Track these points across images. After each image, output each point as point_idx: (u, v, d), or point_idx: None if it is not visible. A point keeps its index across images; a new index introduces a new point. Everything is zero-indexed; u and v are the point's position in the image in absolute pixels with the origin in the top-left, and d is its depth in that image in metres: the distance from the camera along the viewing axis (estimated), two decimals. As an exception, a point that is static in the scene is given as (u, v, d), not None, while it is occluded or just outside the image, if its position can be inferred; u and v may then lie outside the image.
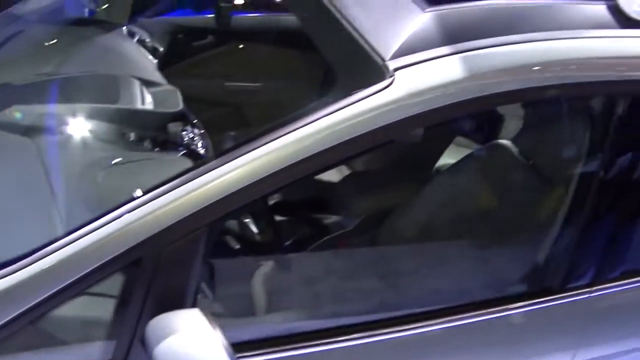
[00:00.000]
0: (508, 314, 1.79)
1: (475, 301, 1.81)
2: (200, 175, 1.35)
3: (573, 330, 1.86)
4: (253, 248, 2.07)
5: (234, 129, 2.77)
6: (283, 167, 1.37)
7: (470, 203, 2.22)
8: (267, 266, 1.93)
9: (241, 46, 2.96)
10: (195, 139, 2.19)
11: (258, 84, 2.93)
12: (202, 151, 2.16)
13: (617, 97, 1.68)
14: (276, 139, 1.37)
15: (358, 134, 1.39)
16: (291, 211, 2.42)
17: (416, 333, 1.71)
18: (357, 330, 1.67)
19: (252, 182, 1.36)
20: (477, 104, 1.50)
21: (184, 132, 2.17)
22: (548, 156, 2.04)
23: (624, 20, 1.68)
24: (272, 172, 1.36)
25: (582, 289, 1.83)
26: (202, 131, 2.25)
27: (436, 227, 2.21)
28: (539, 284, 1.86)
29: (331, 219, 2.48)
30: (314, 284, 1.94)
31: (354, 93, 1.41)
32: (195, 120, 2.25)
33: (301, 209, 2.44)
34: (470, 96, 1.47)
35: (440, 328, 1.73)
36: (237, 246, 1.98)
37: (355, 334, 1.66)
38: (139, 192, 1.36)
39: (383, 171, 2.58)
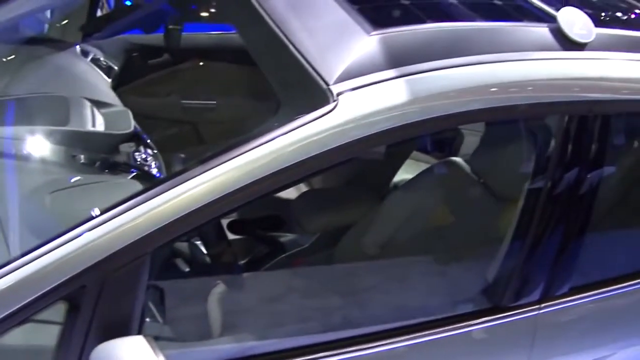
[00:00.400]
0: (460, 332, 1.80)
1: (428, 319, 1.82)
2: (144, 202, 1.34)
3: (523, 346, 1.88)
4: (205, 269, 2.07)
5: (190, 147, 2.77)
6: (229, 192, 1.37)
7: (424, 220, 2.24)
8: (219, 287, 1.92)
9: (198, 64, 2.95)
10: (147, 159, 2.18)
11: (215, 102, 2.92)
12: (154, 172, 2.15)
13: (561, 117, 1.70)
14: (221, 164, 1.37)
15: (302, 158, 1.40)
16: (245, 229, 2.41)
17: (373, 352, 1.72)
18: (313, 351, 1.67)
19: (197, 207, 1.36)
20: (421, 127, 1.52)
21: (136, 153, 2.16)
22: (497, 174, 2.07)
23: (566, 42, 1.71)
24: (217, 197, 1.36)
25: (531, 305, 1.85)
26: (155, 151, 2.25)
27: (391, 245, 2.23)
28: (489, 301, 1.88)
29: (286, 237, 2.48)
30: (269, 303, 1.94)
31: (298, 117, 1.42)
32: (148, 140, 2.24)
33: (255, 227, 2.43)
34: (414, 119, 1.48)
35: (391, 348, 1.74)
36: (189, 268, 1.98)
37: (311, 355, 1.66)
38: (97, 211, 1.35)
39: (338, 188, 2.59)
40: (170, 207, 1.34)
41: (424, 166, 2.51)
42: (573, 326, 1.94)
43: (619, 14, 2.09)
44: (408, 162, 2.71)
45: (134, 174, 1.99)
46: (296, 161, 1.40)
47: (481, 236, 2.08)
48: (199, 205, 1.36)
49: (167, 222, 1.34)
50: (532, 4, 1.89)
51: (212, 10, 2.88)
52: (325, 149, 1.41)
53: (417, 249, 2.17)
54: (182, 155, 1.97)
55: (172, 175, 1.40)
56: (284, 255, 2.38)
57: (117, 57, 2.74)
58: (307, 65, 1.53)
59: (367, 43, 1.54)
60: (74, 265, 1.32)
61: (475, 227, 2.12)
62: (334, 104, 1.43)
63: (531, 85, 1.63)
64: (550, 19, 1.77)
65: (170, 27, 2.75)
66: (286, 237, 2.48)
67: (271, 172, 1.38)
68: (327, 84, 1.46)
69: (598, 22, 1.82)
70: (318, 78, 1.49)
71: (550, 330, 1.88)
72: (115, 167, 2.01)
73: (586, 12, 1.88)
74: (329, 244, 2.36)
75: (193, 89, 2.91)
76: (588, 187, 1.78)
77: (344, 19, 1.64)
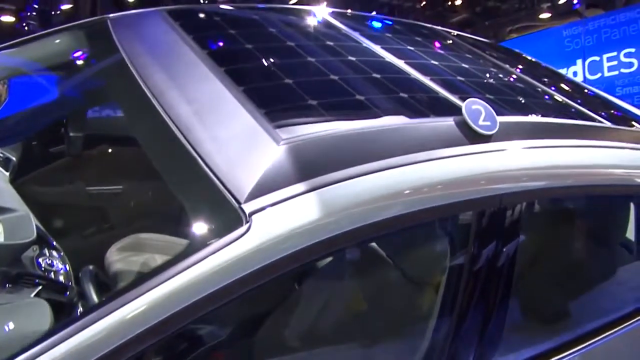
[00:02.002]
0: None
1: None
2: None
3: None
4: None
5: (99, 236, 2.66)
6: (144, 329, 1.31)
7: (342, 308, 2.21)
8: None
9: (101, 148, 2.85)
10: (53, 264, 2.07)
11: (121, 187, 2.82)
12: (61, 278, 2.05)
13: (473, 211, 1.72)
14: (132, 300, 1.31)
15: (218, 287, 1.35)
16: None
17: None
18: None
19: (110, 349, 1.29)
20: (339, 241, 1.49)
21: (40, 259, 2.05)
22: (412, 261, 2.07)
23: (472, 135, 1.74)
24: (129, 338, 1.30)
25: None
26: (61, 253, 2.14)
27: (310, 335, 2.19)
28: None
29: (203, 329, 2.40)
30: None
31: (211, 243, 1.37)
32: (54, 243, 2.13)
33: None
34: (332, 233, 1.45)
35: None
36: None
37: None
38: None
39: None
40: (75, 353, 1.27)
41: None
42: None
43: (518, 97, 2.15)
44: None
45: (40, 287, 1.87)
46: (212, 290, 1.35)
47: (400, 322, 2.07)
48: (113, 347, 1.29)
49: None
50: (437, 94, 1.92)
51: (113, 114, 2.78)
52: (242, 275, 1.37)
53: (336, 338, 2.14)
54: (91, 267, 1.88)
55: (74, 318, 1.32)
56: (201, 349, 2.30)
57: (15, 148, 2.62)
58: (216, 181, 1.48)
59: (277, 154, 1.51)
60: None
61: (393, 313, 2.11)
62: (248, 225, 1.39)
63: (442, 185, 1.64)
64: (455, 109, 1.81)
65: (72, 134, 2.65)
66: (203, 329, 2.40)
67: (185, 305, 1.33)
68: (239, 203, 1.42)
69: (500, 109, 1.88)
70: (229, 196, 1.44)
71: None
72: (18, 281, 1.89)
73: (488, 98, 1.93)
74: (247, 334, 2.30)
75: (97, 174, 2.81)
76: (502, 277, 1.81)
77: (252, 126, 1.60)
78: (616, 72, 11.93)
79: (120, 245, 2.06)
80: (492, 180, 1.73)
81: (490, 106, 1.83)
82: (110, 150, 2.85)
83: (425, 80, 2.00)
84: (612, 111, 2.55)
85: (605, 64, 12.08)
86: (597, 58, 12.22)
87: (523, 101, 2.12)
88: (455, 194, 1.65)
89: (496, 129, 1.77)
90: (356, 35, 2.30)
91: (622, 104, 2.76)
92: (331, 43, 2.18)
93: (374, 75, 1.97)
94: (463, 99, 1.85)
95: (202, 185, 1.51)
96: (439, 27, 2.94)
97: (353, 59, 2.06)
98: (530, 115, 2.01)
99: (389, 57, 2.13)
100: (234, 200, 1.43)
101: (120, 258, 2.03)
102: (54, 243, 2.15)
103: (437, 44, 2.57)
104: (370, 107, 1.77)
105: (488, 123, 1.78)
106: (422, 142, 1.68)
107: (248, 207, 1.41)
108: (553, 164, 1.86)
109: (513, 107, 2.01)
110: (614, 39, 12.09)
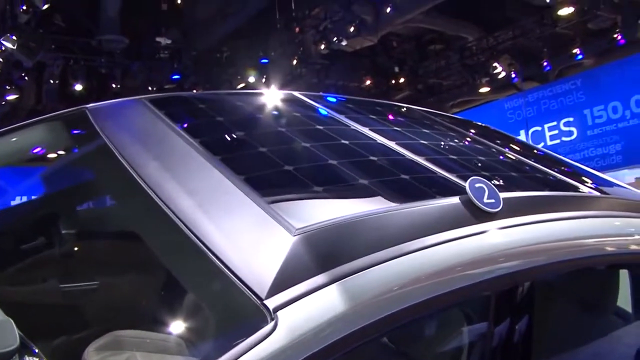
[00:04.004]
0: None
1: None
2: None
3: None
4: None
5: (78, 334, 2.52)
6: None
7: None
8: None
9: (74, 242, 2.73)
10: (37, 371, 1.93)
11: (97, 282, 2.69)
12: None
13: (488, 293, 1.68)
14: None
15: None
16: None
17: None
18: None
19: None
20: (367, 333, 1.42)
21: (22, 367, 1.91)
22: (425, 345, 2.00)
23: (478, 213, 1.72)
24: None
25: None
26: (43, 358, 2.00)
27: None
28: None
29: None
30: None
31: (236, 344, 1.28)
32: (36, 350, 1.99)
33: None
34: (356, 327, 1.39)
35: None
36: None
37: None
38: None
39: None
40: None
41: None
42: None
43: (510, 172, 2.15)
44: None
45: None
46: None
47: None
48: None
49: None
50: (435, 174, 1.90)
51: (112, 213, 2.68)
52: None
53: None
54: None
55: None
56: None
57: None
58: (231, 276, 1.40)
59: (292, 244, 1.44)
60: None
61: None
62: (273, 323, 1.31)
63: (460, 267, 1.60)
64: (457, 188, 1.79)
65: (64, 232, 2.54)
66: None
67: None
68: (261, 299, 1.35)
69: (498, 185, 1.86)
70: (248, 292, 1.36)
71: None
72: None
73: (484, 175, 1.92)
74: None
75: (72, 270, 2.68)
76: (519, 356, 1.76)
77: (261, 216, 1.54)
78: (558, 141, 12.33)
79: (98, 345, 1.94)
80: (506, 257, 1.70)
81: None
82: (84, 244, 2.73)
83: (421, 160, 1.98)
84: (593, 180, 2.58)
85: (547, 133, 12.50)
86: (539, 128, 12.65)
87: (515, 176, 2.12)
88: (476, 274, 1.61)
89: (501, 206, 1.75)
90: (342, 117, 2.29)
91: (594, 172, 2.79)
92: (320, 127, 2.15)
93: (371, 158, 1.94)
94: (462, 178, 1.84)
95: (216, 281, 1.43)
96: (414, 106, 2.96)
97: (346, 142, 2.04)
98: (526, 190, 2.01)
99: (380, 139, 2.11)
100: (254, 297, 1.35)
101: (98, 359, 1.91)
102: (36, 350, 2.02)
103: (417, 123, 2.58)
104: (375, 191, 1.74)
105: (492, 200, 1.76)
106: (432, 224, 1.64)
107: (271, 303, 1.33)
108: (562, 237, 1.84)
109: (509, 183, 2.00)
110: (553, 109, 12.56)
